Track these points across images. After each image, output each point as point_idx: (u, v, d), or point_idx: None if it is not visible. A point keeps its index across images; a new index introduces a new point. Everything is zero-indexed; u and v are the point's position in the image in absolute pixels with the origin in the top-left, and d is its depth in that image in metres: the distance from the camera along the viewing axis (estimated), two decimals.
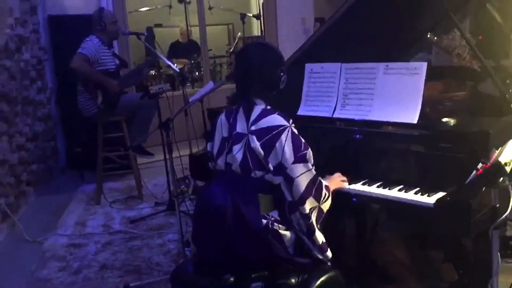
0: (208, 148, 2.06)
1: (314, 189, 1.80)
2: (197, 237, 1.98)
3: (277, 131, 1.78)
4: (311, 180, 1.80)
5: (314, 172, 1.82)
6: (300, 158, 1.78)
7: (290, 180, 1.78)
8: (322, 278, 1.75)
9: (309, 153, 1.82)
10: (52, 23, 4.93)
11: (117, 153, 4.28)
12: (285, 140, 1.77)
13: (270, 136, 1.78)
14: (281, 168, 1.78)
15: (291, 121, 1.83)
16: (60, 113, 5.12)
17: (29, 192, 4.05)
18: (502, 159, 1.36)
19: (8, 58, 3.77)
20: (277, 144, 1.77)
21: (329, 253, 1.86)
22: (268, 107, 1.88)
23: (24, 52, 4.24)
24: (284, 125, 1.79)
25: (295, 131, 1.82)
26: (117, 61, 4.18)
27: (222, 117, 1.97)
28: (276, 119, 1.81)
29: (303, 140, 1.82)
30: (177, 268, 2.05)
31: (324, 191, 1.83)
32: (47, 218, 3.77)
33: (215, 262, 1.82)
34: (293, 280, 1.74)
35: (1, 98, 3.53)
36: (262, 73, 1.88)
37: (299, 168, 1.78)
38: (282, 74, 1.92)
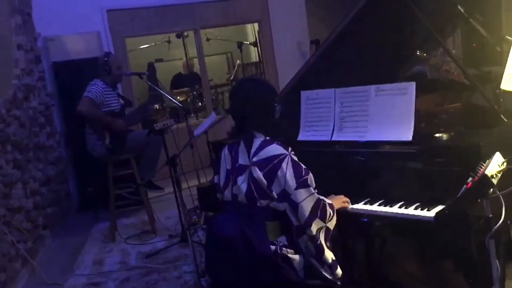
0: (215, 181, 2.16)
1: (319, 210, 1.88)
2: (211, 267, 2.06)
3: (277, 160, 1.88)
4: (315, 203, 1.88)
5: (316, 195, 1.90)
6: (302, 184, 1.87)
7: (294, 206, 1.86)
8: None
9: (310, 177, 1.90)
10: (56, 69, 5.09)
11: (128, 190, 4.37)
12: (286, 168, 1.86)
13: (271, 166, 1.88)
14: (285, 195, 1.87)
15: (290, 149, 1.92)
16: (70, 155, 5.25)
17: (46, 236, 4.15)
18: (489, 172, 1.44)
19: (17, 108, 3.91)
20: (279, 173, 1.86)
21: (339, 271, 1.92)
22: (267, 138, 1.98)
23: (32, 100, 4.40)
24: (283, 154, 1.89)
25: (295, 158, 1.91)
26: (122, 101, 4.32)
27: (225, 150, 2.08)
28: (275, 149, 1.91)
29: (303, 166, 1.91)
30: None
31: (328, 210, 1.91)
32: (65, 260, 3.86)
33: None
34: None
35: (14, 147, 3.65)
36: (257, 107, 1.98)
37: (302, 193, 1.87)
38: (276, 104, 2.02)
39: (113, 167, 4.13)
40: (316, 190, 1.91)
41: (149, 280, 3.29)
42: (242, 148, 1.99)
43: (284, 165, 1.86)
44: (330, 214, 1.92)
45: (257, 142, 1.95)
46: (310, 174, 1.91)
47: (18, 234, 3.45)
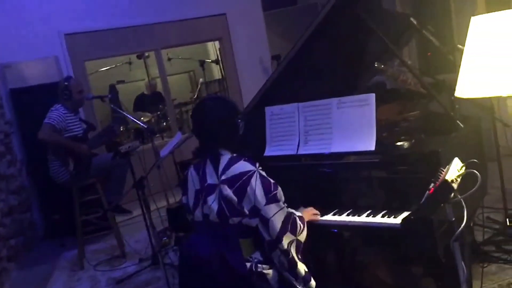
0: (184, 201, 2.14)
1: (289, 224, 1.90)
2: (185, 287, 2.04)
3: (246, 176, 1.89)
4: (285, 217, 1.90)
5: (286, 209, 1.92)
6: (271, 199, 1.89)
7: (265, 221, 1.88)
8: None
9: (279, 192, 1.92)
10: (14, 96, 4.97)
11: (95, 215, 4.29)
12: (255, 184, 1.88)
13: (240, 183, 1.89)
14: (255, 211, 1.88)
15: (257, 164, 1.94)
16: (32, 183, 5.11)
17: (11, 268, 4.01)
18: (449, 177, 1.49)
19: None
20: (248, 189, 1.88)
21: (313, 283, 1.94)
22: (234, 155, 1.99)
23: None
24: (251, 170, 1.90)
25: (263, 173, 1.93)
26: (84, 126, 4.26)
27: (192, 171, 2.07)
28: (243, 166, 1.92)
29: (272, 181, 1.93)
30: None
31: (298, 223, 1.94)
32: None
33: None
34: None
35: None
36: (220, 125, 1.99)
37: (272, 208, 1.88)
38: (239, 121, 2.03)
39: (78, 193, 4.05)
40: (285, 204, 1.93)
41: None
42: (209, 166, 1.99)
43: (253, 181, 1.88)
44: (300, 227, 1.94)
45: (224, 159, 1.96)
46: (279, 188, 1.93)
47: None
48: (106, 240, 4.59)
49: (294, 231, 1.91)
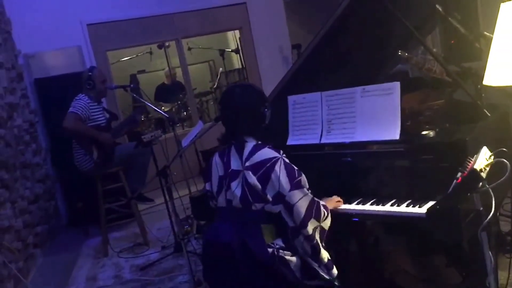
0: (207, 188, 2.17)
1: (314, 210, 1.91)
2: (208, 274, 2.07)
3: (270, 163, 1.90)
4: (309, 203, 1.90)
5: (310, 195, 1.93)
6: (296, 185, 1.89)
7: (290, 207, 1.88)
8: None
9: (303, 178, 1.93)
10: (39, 86, 5.06)
11: (118, 203, 4.35)
12: (280, 170, 1.88)
13: (264, 169, 1.90)
14: (279, 197, 1.89)
15: (281, 152, 1.95)
16: (57, 172, 5.21)
17: (37, 254, 4.10)
18: (477, 166, 1.47)
19: (2, 127, 3.87)
20: (272, 175, 1.88)
21: (335, 271, 1.95)
22: (259, 142, 2.00)
23: (16, 118, 4.36)
24: (276, 157, 1.91)
25: (287, 160, 1.93)
26: (107, 115, 4.31)
27: (216, 158, 2.09)
28: (268, 152, 1.93)
29: (295, 168, 1.93)
30: None
31: (322, 209, 1.94)
32: (58, 277, 3.82)
33: None
34: None
35: (0, 166, 3.61)
36: (247, 112, 2.00)
37: (297, 194, 1.89)
38: (266, 110, 2.04)
39: (101, 181, 4.11)
40: (309, 191, 1.93)
41: None
42: (233, 153, 2.01)
43: (277, 167, 1.88)
44: (324, 214, 1.94)
45: (248, 146, 1.97)
46: (303, 175, 1.94)
47: (9, 255, 3.40)
48: (128, 228, 4.66)
49: (318, 217, 1.91)
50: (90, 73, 4.18)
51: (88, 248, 4.40)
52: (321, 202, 1.97)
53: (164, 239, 4.14)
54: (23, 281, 3.51)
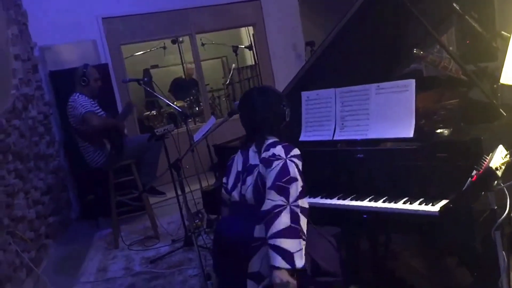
0: (224, 180, 2.19)
1: (268, 217, 1.83)
2: (219, 268, 2.08)
3: (273, 158, 1.92)
4: (275, 207, 1.84)
5: (283, 204, 1.84)
6: (276, 187, 1.86)
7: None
8: None
9: (293, 190, 1.86)
10: (53, 78, 5.10)
11: (129, 196, 4.37)
12: (274, 167, 1.89)
13: (268, 162, 1.92)
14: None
15: (292, 154, 1.93)
16: (69, 164, 5.25)
17: (49, 245, 4.15)
18: (493, 164, 1.46)
19: (17, 118, 3.92)
20: (268, 169, 1.91)
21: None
22: (276, 140, 2.02)
23: (30, 109, 4.40)
24: (280, 157, 1.91)
25: (293, 164, 1.90)
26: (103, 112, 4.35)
27: (239, 154, 2.13)
28: (279, 150, 1.94)
29: (293, 177, 1.87)
30: None
31: (282, 221, 1.82)
32: (69, 268, 3.86)
33: None
34: None
35: (14, 157, 3.66)
36: (267, 113, 2.04)
37: (272, 195, 1.86)
38: (285, 108, 2.06)
39: (113, 174, 4.14)
40: (292, 205, 1.85)
41: (154, 285, 3.30)
42: (253, 149, 2.05)
43: (275, 164, 1.90)
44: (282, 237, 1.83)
45: (267, 142, 2.01)
46: (296, 187, 1.87)
47: (21, 244, 3.45)
48: (139, 221, 4.69)
49: (274, 232, 1.81)
50: (84, 70, 4.20)
51: (100, 239, 4.44)
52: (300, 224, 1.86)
53: (174, 233, 4.16)
54: (35, 270, 3.55)
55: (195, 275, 3.29)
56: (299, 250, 1.80)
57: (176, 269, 3.48)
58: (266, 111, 2.04)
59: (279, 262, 1.77)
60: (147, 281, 3.39)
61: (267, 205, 1.85)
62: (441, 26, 3.06)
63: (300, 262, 1.80)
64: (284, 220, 1.81)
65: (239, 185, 2.05)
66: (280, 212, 1.82)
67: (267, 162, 1.93)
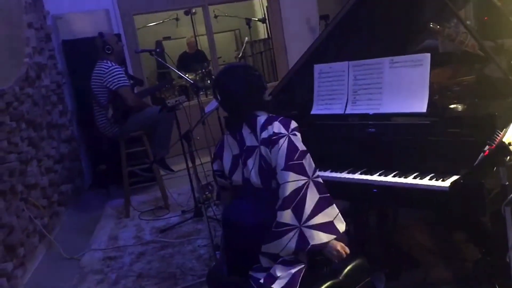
0: (215, 167, 2.12)
1: (295, 202, 1.78)
2: (229, 251, 2.05)
3: (275, 137, 1.84)
4: (297, 190, 1.79)
5: (304, 181, 1.80)
6: (290, 167, 1.80)
7: (278, 185, 1.81)
8: (350, 266, 1.86)
9: (305, 163, 1.82)
10: (66, 47, 5.10)
11: (141, 167, 4.42)
12: (281, 146, 1.82)
13: (271, 142, 1.85)
14: (274, 173, 1.84)
15: (293, 127, 1.87)
16: (81, 133, 5.30)
17: (61, 212, 4.22)
18: (506, 139, 1.45)
19: (30, 86, 3.94)
20: (274, 149, 1.84)
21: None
22: (271, 115, 1.95)
23: (43, 78, 4.42)
24: (283, 134, 1.84)
25: (296, 138, 1.85)
26: (131, 81, 4.33)
27: (228, 137, 2.04)
28: (277, 127, 1.86)
29: (301, 149, 1.83)
30: (211, 270, 2.17)
31: (306, 208, 1.78)
32: (81, 235, 3.93)
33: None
34: (324, 269, 1.85)
35: (28, 124, 3.69)
36: (245, 91, 1.96)
37: (287, 176, 1.80)
38: (258, 76, 2.00)
39: (125, 144, 4.17)
40: (308, 179, 1.81)
41: (164, 254, 3.36)
42: (245, 129, 1.96)
43: (281, 142, 1.83)
44: (305, 214, 1.80)
45: (261, 119, 1.92)
46: (307, 160, 1.83)
47: (34, 210, 3.51)
48: (150, 192, 4.75)
49: (297, 212, 1.79)
50: (103, 38, 4.10)
51: (111, 208, 4.51)
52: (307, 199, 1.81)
53: (184, 204, 4.21)
54: (47, 236, 3.63)
55: (204, 245, 3.34)
56: (337, 214, 1.82)
57: (185, 239, 3.53)
58: (242, 87, 1.95)
59: (325, 237, 1.77)
60: (157, 249, 3.45)
61: (287, 189, 1.77)
62: (459, 1, 2.99)
63: (342, 226, 1.81)
64: (312, 197, 1.79)
65: (239, 168, 1.98)
66: (306, 192, 1.78)
67: (270, 143, 1.85)
